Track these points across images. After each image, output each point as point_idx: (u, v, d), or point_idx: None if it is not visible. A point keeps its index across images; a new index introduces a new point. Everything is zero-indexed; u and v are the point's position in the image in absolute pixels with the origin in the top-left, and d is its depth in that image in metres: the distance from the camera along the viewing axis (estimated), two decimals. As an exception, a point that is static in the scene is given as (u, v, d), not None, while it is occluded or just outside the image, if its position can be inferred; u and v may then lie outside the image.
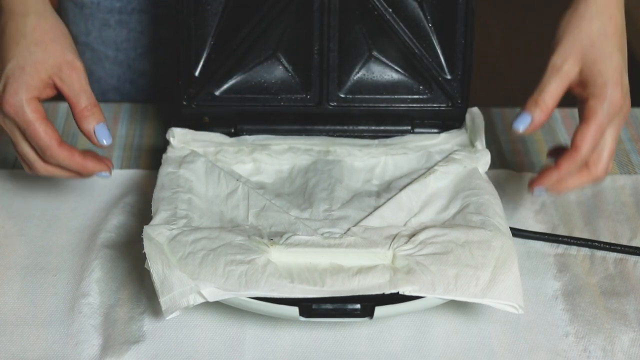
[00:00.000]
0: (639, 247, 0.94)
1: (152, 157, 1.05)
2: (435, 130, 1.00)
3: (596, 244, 0.94)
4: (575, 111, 1.12)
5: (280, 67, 0.99)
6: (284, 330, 0.85)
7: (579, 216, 0.98)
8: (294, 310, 0.80)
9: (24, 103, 0.85)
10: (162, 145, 1.05)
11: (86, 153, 0.88)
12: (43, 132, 0.85)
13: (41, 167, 0.88)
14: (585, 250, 0.94)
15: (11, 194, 0.99)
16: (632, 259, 0.93)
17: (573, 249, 0.94)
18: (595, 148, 0.85)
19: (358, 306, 0.81)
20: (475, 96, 1.03)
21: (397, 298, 0.81)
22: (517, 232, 0.94)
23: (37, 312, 0.87)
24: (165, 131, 0.98)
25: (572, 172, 0.85)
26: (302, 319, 0.81)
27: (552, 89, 0.86)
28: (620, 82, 0.85)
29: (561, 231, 0.96)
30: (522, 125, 0.86)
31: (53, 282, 0.90)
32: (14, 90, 0.85)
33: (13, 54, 0.86)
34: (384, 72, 1.00)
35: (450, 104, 1.00)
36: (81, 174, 0.89)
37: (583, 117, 0.85)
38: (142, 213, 0.97)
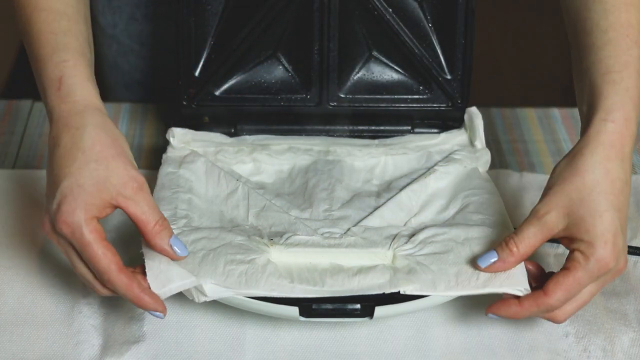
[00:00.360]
0: (639, 247, 0.94)
1: (152, 157, 1.05)
2: (435, 130, 1.00)
3: (596, 244, 0.94)
4: (575, 111, 1.12)
5: (280, 67, 0.99)
6: (284, 330, 0.85)
7: (579, 216, 0.98)
8: (294, 310, 0.80)
9: (83, 223, 0.77)
10: (162, 145, 1.05)
11: (144, 284, 0.80)
12: (102, 255, 0.78)
13: (100, 290, 0.80)
14: (585, 250, 0.94)
15: (11, 194, 0.99)
16: (632, 259, 0.93)
17: (573, 249, 0.94)
18: (566, 299, 0.80)
19: (358, 306, 0.81)
20: (475, 96, 1.03)
21: (397, 298, 0.81)
22: (517, 232, 0.94)
23: (37, 312, 0.87)
24: (165, 131, 0.98)
25: (533, 313, 0.81)
26: (302, 319, 0.81)
27: (528, 236, 0.80)
28: (612, 241, 0.78)
29: (561, 231, 0.96)
30: (484, 262, 0.81)
31: (53, 282, 0.90)
32: (72, 209, 0.77)
33: (70, 170, 0.78)
34: (384, 72, 1.00)
35: (450, 104, 1.00)
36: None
37: (565, 266, 0.79)
38: (142, 213, 0.97)
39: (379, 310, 0.80)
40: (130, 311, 0.87)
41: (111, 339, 0.85)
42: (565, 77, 2.85)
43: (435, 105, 1.00)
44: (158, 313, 0.80)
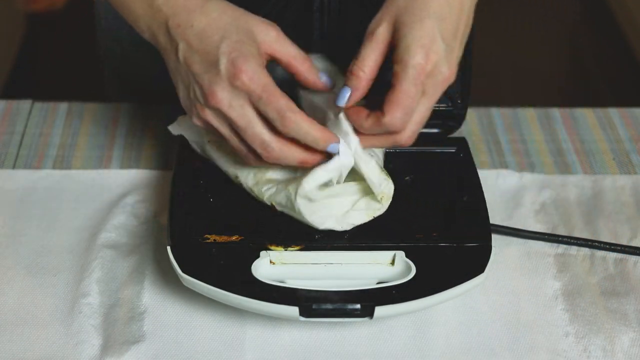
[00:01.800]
0: (639, 247, 0.94)
1: (152, 157, 1.05)
2: (436, 130, 1.00)
3: (596, 244, 0.94)
4: (575, 111, 1.12)
5: (280, 67, 0.99)
6: (284, 330, 0.86)
7: (579, 216, 0.98)
8: (294, 310, 0.80)
9: (259, 67, 0.81)
10: (162, 145, 1.05)
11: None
12: (281, 94, 0.81)
13: (277, 146, 0.82)
14: (585, 250, 0.94)
15: (11, 194, 0.99)
16: (632, 259, 0.93)
17: (573, 249, 0.94)
18: (405, 115, 0.81)
19: (358, 306, 0.81)
20: (475, 96, 1.03)
21: (397, 298, 0.81)
22: (517, 232, 0.95)
23: (37, 312, 0.87)
24: (165, 131, 0.98)
25: (376, 133, 0.82)
26: (302, 319, 0.81)
27: (366, 55, 0.82)
28: (428, 46, 0.79)
29: (561, 231, 0.96)
30: (341, 100, 0.82)
31: (53, 282, 0.90)
32: (245, 58, 0.80)
33: (219, 36, 0.81)
34: (384, 72, 1.00)
35: (450, 104, 1.00)
36: (315, 151, 0.83)
37: (391, 83, 0.81)
38: (142, 213, 0.97)
39: (379, 310, 0.81)
40: (131, 311, 0.87)
41: (111, 339, 0.85)
42: (565, 77, 2.86)
43: (435, 105, 1.00)
44: (335, 144, 0.83)
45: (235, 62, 0.80)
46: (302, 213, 0.86)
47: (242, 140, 0.84)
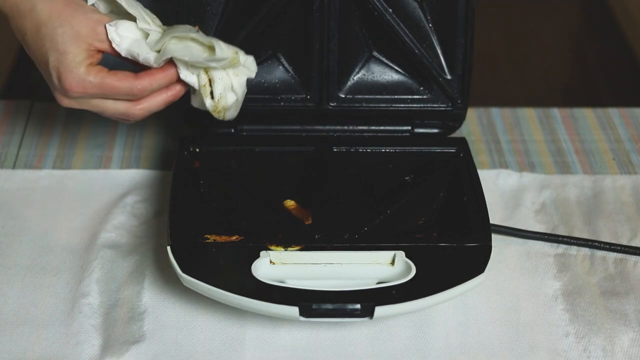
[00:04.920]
0: (639, 247, 0.94)
1: (152, 157, 1.05)
2: (436, 130, 1.00)
3: (596, 244, 0.94)
4: (575, 111, 1.12)
5: (280, 67, 0.99)
6: (284, 330, 0.86)
7: (579, 216, 0.98)
8: (294, 310, 0.80)
9: (85, 74, 0.85)
10: (162, 145, 1.05)
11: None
12: (117, 82, 0.85)
13: (136, 110, 0.87)
14: (585, 250, 0.94)
15: (11, 194, 0.99)
16: (632, 259, 0.93)
17: (573, 249, 0.94)
18: None
19: (358, 306, 0.81)
20: (475, 96, 1.03)
21: (397, 298, 0.81)
22: (517, 232, 0.95)
23: (37, 312, 0.87)
24: (165, 131, 0.98)
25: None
26: (302, 319, 0.81)
27: None
28: None
29: (561, 231, 0.96)
30: None
31: (53, 282, 0.90)
32: (69, 71, 0.84)
33: (46, 47, 0.85)
34: (384, 72, 1.00)
35: (450, 104, 1.00)
36: (174, 94, 0.88)
37: None
38: (142, 213, 0.97)
39: (379, 310, 0.81)
40: (130, 311, 0.87)
41: (111, 339, 0.85)
42: (565, 77, 2.86)
43: (435, 105, 1.00)
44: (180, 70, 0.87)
45: (61, 78, 0.85)
46: None
47: None
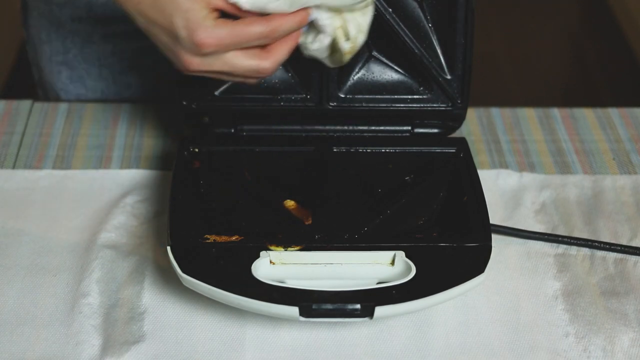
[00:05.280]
0: (639, 247, 0.94)
1: (152, 157, 1.05)
2: (435, 130, 1.00)
3: (596, 244, 0.94)
4: (575, 111, 1.12)
5: (280, 67, 0.99)
6: (284, 330, 0.86)
7: (579, 216, 0.98)
8: (294, 310, 0.80)
9: (213, 27, 0.82)
10: (162, 145, 1.05)
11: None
12: (249, 26, 0.82)
13: (267, 63, 0.85)
14: (585, 250, 0.94)
15: (11, 194, 0.99)
16: (632, 259, 0.93)
17: (573, 249, 0.94)
18: None
19: (358, 306, 0.81)
20: (475, 96, 1.03)
21: (397, 298, 0.81)
22: (517, 232, 0.95)
23: (37, 312, 0.87)
24: (164, 132, 0.98)
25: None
26: (302, 319, 0.81)
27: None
28: None
29: (561, 231, 0.96)
30: None
31: (53, 282, 0.90)
32: (199, 27, 0.81)
33: (168, 11, 0.83)
34: (384, 72, 1.00)
35: (450, 104, 1.00)
36: (295, 41, 0.86)
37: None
38: (142, 213, 0.97)
39: (379, 311, 0.81)
40: (130, 311, 0.87)
41: (111, 339, 0.85)
42: (565, 77, 2.86)
43: (435, 105, 1.00)
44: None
45: (193, 34, 0.81)
46: None
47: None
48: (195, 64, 0.84)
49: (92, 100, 1.17)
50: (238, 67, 0.84)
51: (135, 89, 1.17)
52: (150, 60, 1.15)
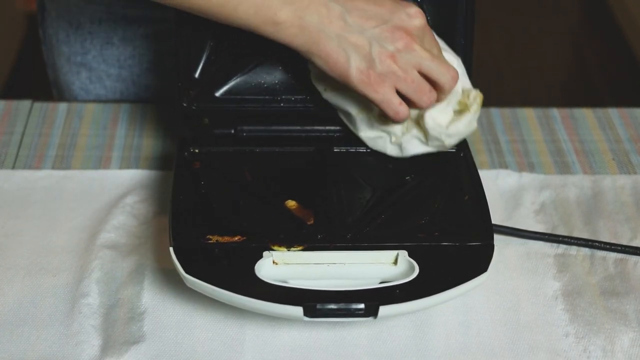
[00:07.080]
0: (639, 247, 0.94)
1: (151, 157, 1.05)
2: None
3: (596, 244, 0.94)
4: (575, 111, 1.12)
5: (280, 68, 0.99)
6: (284, 331, 0.86)
7: (579, 216, 0.98)
8: (298, 311, 0.80)
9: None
10: (162, 146, 1.05)
11: None
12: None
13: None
14: (585, 250, 0.94)
15: (11, 194, 0.99)
16: (632, 259, 0.93)
17: (573, 249, 0.94)
18: None
19: (362, 306, 0.81)
20: (475, 96, 1.03)
21: (401, 297, 0.81)
22: (517, 232, 0.95)
23: (37, 312, 0.87)
24: (165, 131, 0.98)
25: None
26: (307, 319, 0.81)
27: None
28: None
29: (561, 231, 0.96)
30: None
31: (53, 282, 0.90)
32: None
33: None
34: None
35: (450, 104, 0.99)
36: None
37: None
38: (142, 213, 0.97)
39: (383, 310, 0.80)
40: (130, 311, 0.87)
41: (111, 339, 0.85)
42: (565, 77, 2.86)
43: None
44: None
45: (407, 8, 0.88)
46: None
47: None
48: (414, 22, 0.88)
49: (111, 100, 1.18)
50: (425, 61, 0.88)
51: (154, 91, 1.18)
52: (170, 63, 1.15)
